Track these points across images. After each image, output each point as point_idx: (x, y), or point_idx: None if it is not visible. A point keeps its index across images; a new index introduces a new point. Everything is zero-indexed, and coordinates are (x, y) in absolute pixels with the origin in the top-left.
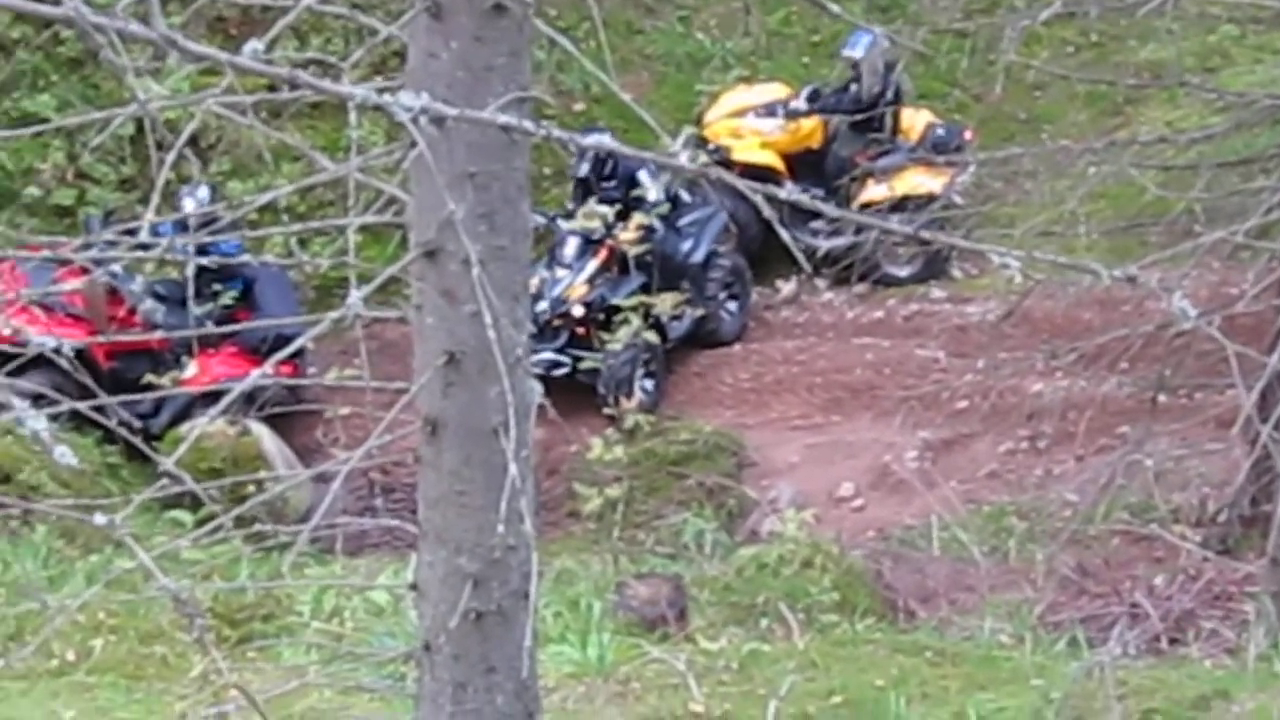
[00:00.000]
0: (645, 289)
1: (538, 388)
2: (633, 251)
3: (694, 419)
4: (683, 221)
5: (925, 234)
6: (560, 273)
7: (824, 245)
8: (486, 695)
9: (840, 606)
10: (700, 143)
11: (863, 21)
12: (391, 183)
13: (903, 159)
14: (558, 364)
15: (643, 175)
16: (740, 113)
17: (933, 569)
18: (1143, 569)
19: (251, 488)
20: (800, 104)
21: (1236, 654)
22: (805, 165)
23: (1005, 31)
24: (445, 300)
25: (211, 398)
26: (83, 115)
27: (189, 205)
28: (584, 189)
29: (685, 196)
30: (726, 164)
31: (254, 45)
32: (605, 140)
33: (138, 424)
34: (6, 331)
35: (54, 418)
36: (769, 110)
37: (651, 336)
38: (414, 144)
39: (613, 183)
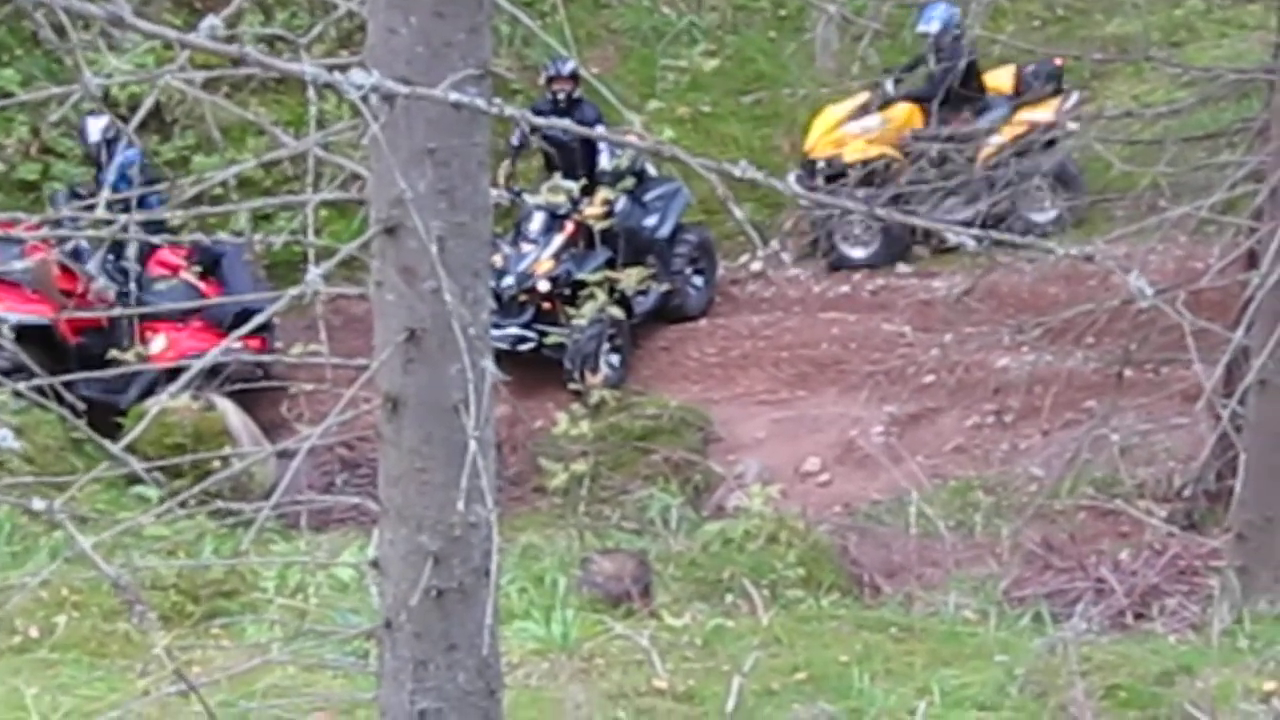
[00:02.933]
0: (611, 264)
1: (493, 368)
2: (598, 226)
3: (660, 394)
4: (648, 196)
5: (881, 211)
6: (526, 248)
7: (961, 216)
8: (448, 673)
9: (805, 582)
10: (810, 165)
11: None
12: (354, 158)
13: (1005, 109)
14: (524, 339)
15: (602, 151)
16: (835, 126)
17: (898, 544)
18: (1108, 544)
19: (216, 463)
20: (889, 89)
21: (1201, 629)
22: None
23: (970, 5)
24: (405, 277)
25: (178, 372)
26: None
27: (94, 133)
28: (548, 162)
29: (651, 171)
30: (843, 172)
31: (210, 22)
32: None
33: (107, 400)
34: None
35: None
36: (863, 112)
37: (617, 311)
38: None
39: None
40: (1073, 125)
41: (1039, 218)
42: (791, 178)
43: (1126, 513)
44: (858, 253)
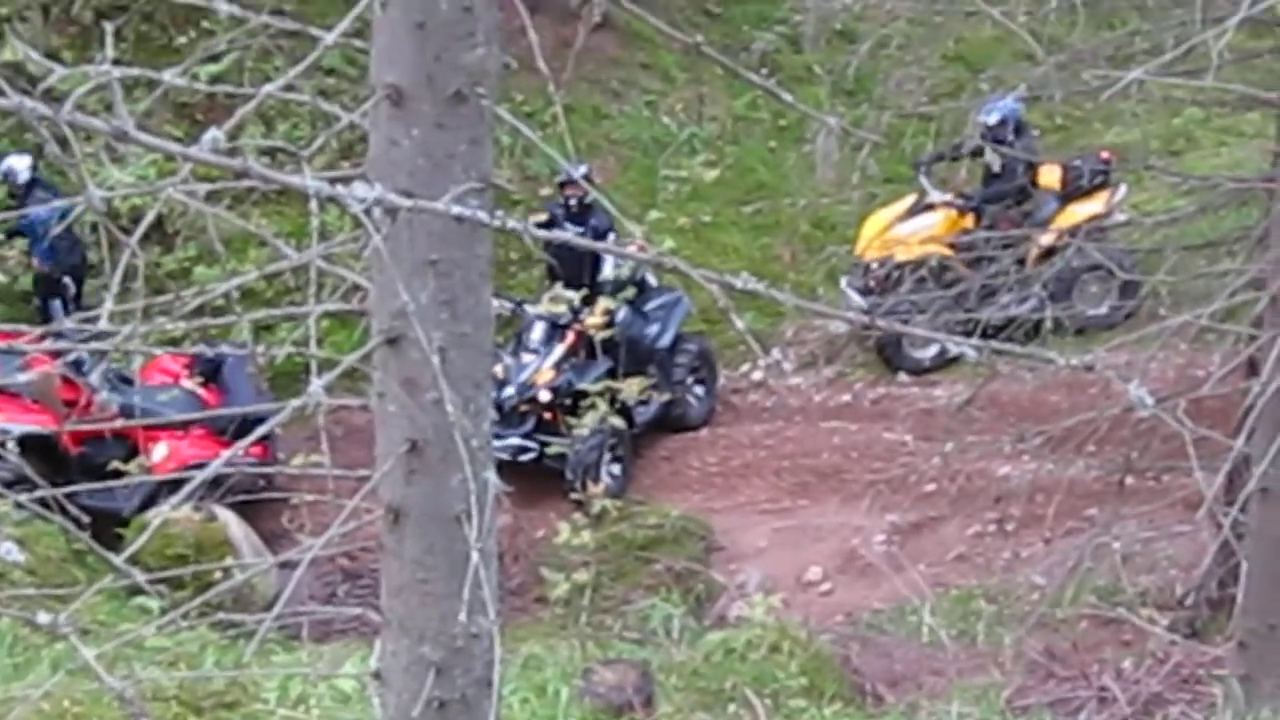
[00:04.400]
0: (612, 374)
1: (495, 479)
2: (600, 336)
3: (662, 504)
4: (649, 306)
5: (881, 322)
6: (527, 358)
7: (1015, 312)
8: None
9: (808, 691)
10: (865, 271)
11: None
12: (355, 269)
13: (1054, 205)
14: (525, 449)
15: (606, 260)
16: (886, 228)
17: (901, 653)
18: (1111, 652)
19: (218, 574)
20: (956, 202)
21: None
22: (970, 246)
23: (970, 115)
24: (407, 388)
25: (181, 482)
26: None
27: (21, 172)
28: (550, 271)
29: (651, 281)
30: (899, 275)
31: (213, 134)
32: (558, 232)
33: (108, 509)
34: None
35: (20, 505)
36: (911, 213)
37: (618, 421)
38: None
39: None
40: (1121, 217)
41: (1094, 312)
42: (844, 282)
43: (1129, 621)
44: (925, 354)
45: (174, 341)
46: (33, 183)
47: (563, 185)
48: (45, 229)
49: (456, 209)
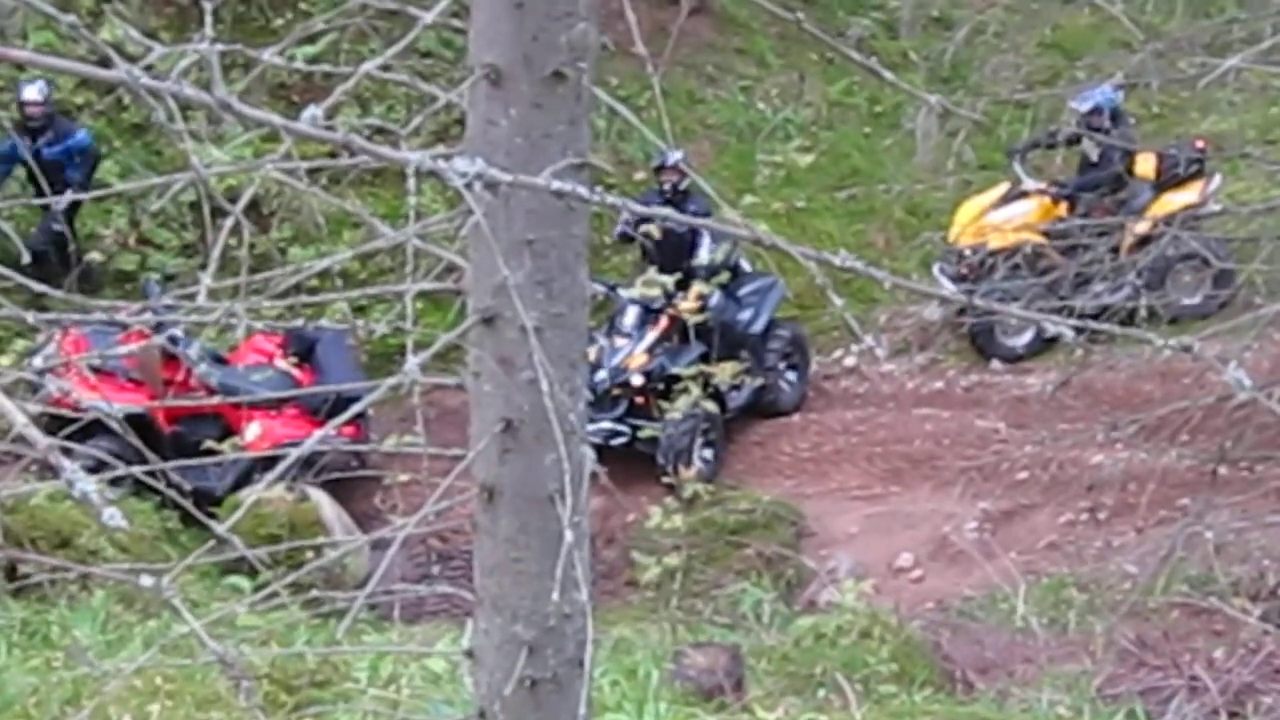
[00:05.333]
0: (705, 358)
1: (591, 455)
2: (692, 321)
3: (753, 489)
4: (743, 291)
5: (979, 302)
6: (620, 341)
7: (1108, 300)
8: None
9: (898, 677)
10: (956, 255)
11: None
12: (451, 250)
13: (1149, 195)
14: (617, 433)
15: (702, 244)
16: (979, 215)
17: (991, 640)
18: (1202, 642)
19: (310, 554)
20: (1050, 189)
21: None
22: (1064, 234)
23: (1066, 103)
24: (502, 367)
25: (273, 461)
26: (143, 181)
27: (29, 93)
28: (644, 255)
29: (745, 266)
30: (993, 263)
31: (313, 111)
32: (659, 209)
33: (201, 488)
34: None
35: (114, 483)
36: (1005, 201)
37: (711, 406)
38: (471, 210)
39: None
40: (1216, 207)
41: (1188, 301)
42: (936, 268)
43: (1221, 611)
44: (1018, 341)
45: (273, 319)
46: (46, 119)
47: (659, 170)
48: (81, 156)
49: (556, 184)
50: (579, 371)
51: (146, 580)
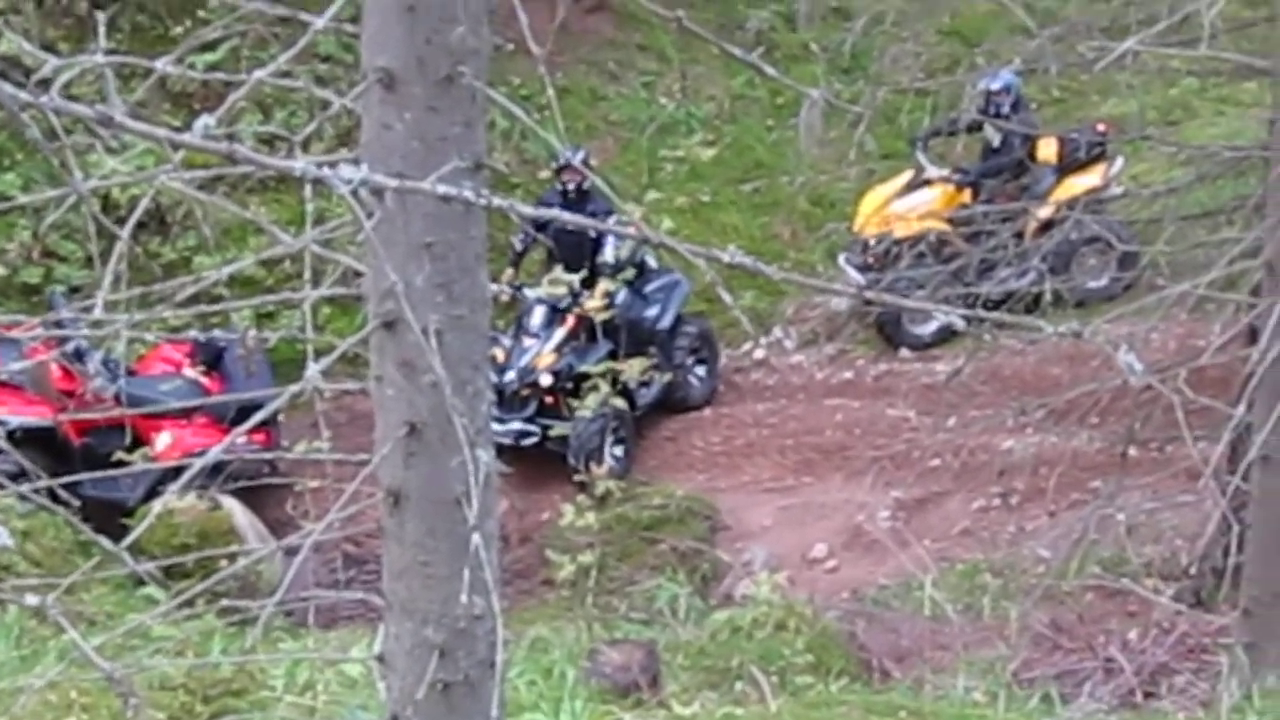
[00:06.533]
0: (613, 356)
1: (492, 456)
2: (599, 318)
3: (665, 484)
4: (649, 288)
5: (870, 294)
6: (528, 342)
7: (1014, 286)
8: None
9: (814, 668)
10: (861, 245)
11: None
12: (353, 255)
13: (1050, 180)
14: (527, 433)
15: (607, 243)
16: (883, 204)
17: (907, 628)
18: (1116, 623)
19: (223, 562)
20: (954, 177)
21: (1210, 706)
22: (968, 221)
23: (966, 90)
24: (404, 371)
25: (184, 471)
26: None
27: None
28: (549, 255)
29: (651, 263)
30: (898, 251)
31: (204, 121)
32: (550, 210)
33: (114, 499)
34: None
35: (22, 497)
36: (908, 189)
37: (620, 403)
38: (370, 215)
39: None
40: (1118, 190)
41: (1094, 284)
42: (842, 258)
43: (1134, 592)
44: (925, 329)
45: (172, 330)
46: None
47: (559, 170)
48: None
49: (443, 188)
50: (481, 373)
51: (31, 599)
